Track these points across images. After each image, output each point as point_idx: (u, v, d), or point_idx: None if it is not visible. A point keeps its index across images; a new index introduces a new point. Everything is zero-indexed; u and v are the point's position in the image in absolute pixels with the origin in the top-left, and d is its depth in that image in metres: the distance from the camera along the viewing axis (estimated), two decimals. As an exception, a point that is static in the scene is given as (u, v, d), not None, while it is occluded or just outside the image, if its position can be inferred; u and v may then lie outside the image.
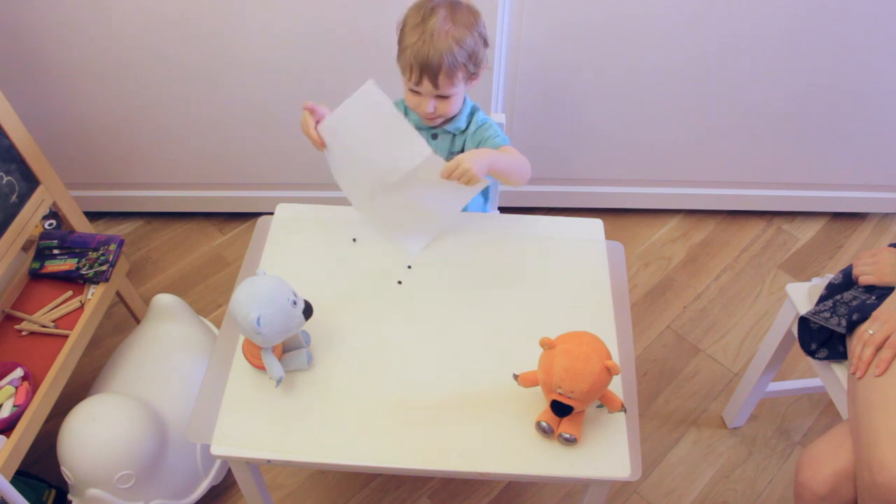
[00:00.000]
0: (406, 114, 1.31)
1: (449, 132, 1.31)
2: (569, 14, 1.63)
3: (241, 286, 1.01)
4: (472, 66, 1.22)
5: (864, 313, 1.11)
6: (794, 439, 1.63)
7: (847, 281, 1.23)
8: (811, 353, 1.23)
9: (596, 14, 1.63)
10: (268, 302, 0.98)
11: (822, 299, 1.25)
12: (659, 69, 1.74)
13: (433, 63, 1.17)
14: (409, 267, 1.23)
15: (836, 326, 1.16)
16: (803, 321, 1.24)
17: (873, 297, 1.14)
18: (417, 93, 1.23)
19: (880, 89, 1.77)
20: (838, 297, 1.21)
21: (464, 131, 1.32)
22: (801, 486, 1.09)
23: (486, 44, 1.24)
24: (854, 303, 1.16)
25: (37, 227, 1.53)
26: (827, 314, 1.19)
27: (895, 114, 1.82)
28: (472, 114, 1.33)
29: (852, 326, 1.13)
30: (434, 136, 1.31)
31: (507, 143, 1.33)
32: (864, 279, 1.18)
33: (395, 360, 1.10)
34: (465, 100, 1.29)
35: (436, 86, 1.20)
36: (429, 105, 1.24)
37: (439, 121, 1.29)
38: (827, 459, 1.06)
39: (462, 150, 1.33)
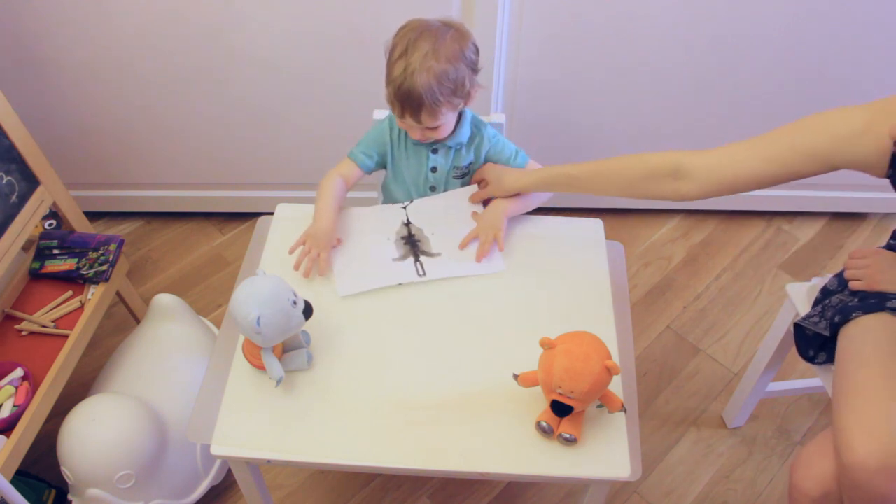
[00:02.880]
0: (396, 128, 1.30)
1: (449, 147, 1.29)
2: (568, 14, 1.63)
3: (241, 286, 1.00)
4: (458, 98, 1.18)
5: (846, 315, 1.11)
6: (794, 439, 1.63)
7: (842, 285, 1.22)
8: (810, 360, 1.22)
9: (596, 14, 1.63)
10: (268, 302, 0.98)
11: (816, 303, 1.25)
12: (659, 69, 1.74)
13: (414, 102, 1.14)
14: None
15: (823, 330, 1.16)
16: (798, 328, 1.23)
17: (855, 300, 1.14)
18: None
19: (880, 89, 1.77)
20: (826, 301, 1.21)
21: (469, 145, 1.30)
22: (793, 488, 1.09)
23: (475, 70, 1.19)
24: (839, 306, 1.16)
25: (37, 227, 1.53)
26: (816, 319, 1.19)
27: (895, 114, 1.82)
28: (476, 127, 1.30)
29: (835, 329, 1.13)
30: (434, 151, 1.30)
31: (528, 159, 1.34)
32: (855, 285, 1.16)
33: (395, 360, 1.10)
34: (462, 113, 1.26)
35: (419, 122, 1.18)
36: (417, 133, 1.22)
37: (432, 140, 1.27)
38: (819, 461, 1.06)
39: (470, 165, 1.32)
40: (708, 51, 1.70)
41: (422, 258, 1.21)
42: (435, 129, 1.21)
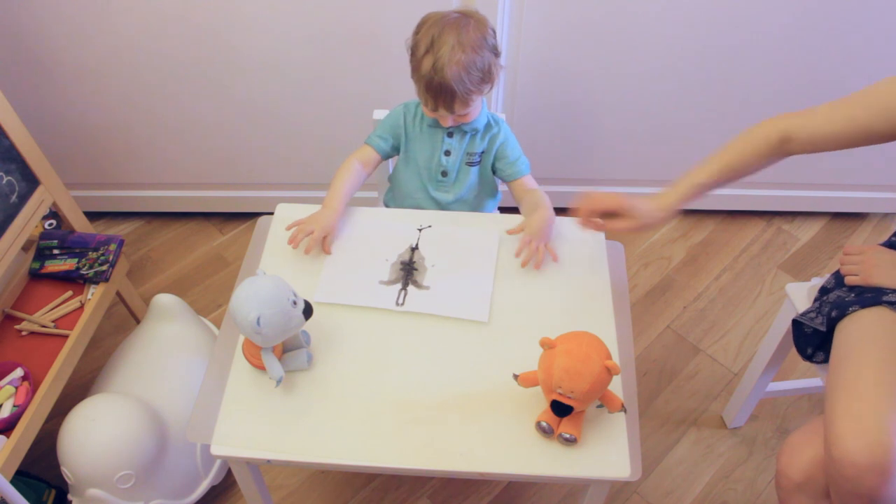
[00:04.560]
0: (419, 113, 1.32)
1: (465, 131, 1.32)
2: (568, 14, 1.63)
3: (241, 286, 1.00)
4: (486, 84, 1.22)
5: (843, 310, 1.11)
6: (794, 439, 1.63)
7: (838, 283, 1.22)
8: (808, 358, 1.22)
9: (596, 14, 1.63)
10: (268, 302, 0.98)
11: (814, 302, 1.25)
12: (659, 69, 1.74)
13: (447, 95, 1.18)
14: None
15: (820, 325, 1.16)
16: (797, 325, 1.23)
17: (852, 295, 1.14)
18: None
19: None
20: (824, 297, 1.21)
21: (485, 133, 1.33)
22: (779, 474, 1.10)
23: (497, 54, 1.23)
24: (836, 301, 1.16)
25: (37, 227, 1.53)
26: (813, 314, 1.19)
27: (895, 114, 1.82)
28: (494, 120, 1.33)
29: (832, 324, 1.13)
30: (450, 135, 1.32)
31: (529, 170, 1.35)
32: (850, 280, 1.17)
33: (395, 360, 1.10)
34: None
35: (452, 112, 1.22)
36: (449, 121, 1.26)
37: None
38: (804, 448, 1.07)
39: (483, 154, 1.34)
40: (708, 49, 1.70)
41: (409, 287, 1.19)
42: (465, 115, 1.25)
